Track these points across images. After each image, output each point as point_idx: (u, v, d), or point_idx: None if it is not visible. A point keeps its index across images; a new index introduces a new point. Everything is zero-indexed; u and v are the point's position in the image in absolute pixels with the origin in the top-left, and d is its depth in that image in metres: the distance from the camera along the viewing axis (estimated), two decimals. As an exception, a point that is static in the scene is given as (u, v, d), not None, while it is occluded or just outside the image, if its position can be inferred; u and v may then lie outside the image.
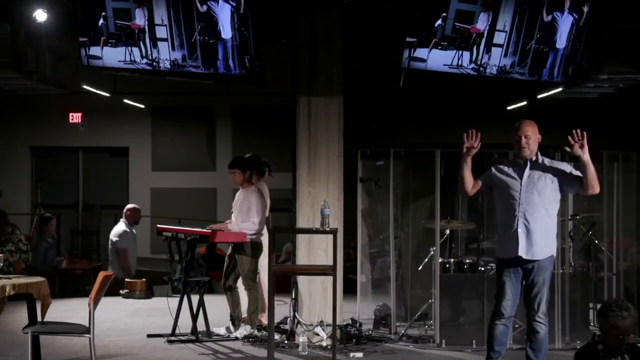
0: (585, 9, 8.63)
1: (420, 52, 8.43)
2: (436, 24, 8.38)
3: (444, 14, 8.34)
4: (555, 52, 8.78)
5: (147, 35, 8.62)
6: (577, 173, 6.89)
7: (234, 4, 8.48)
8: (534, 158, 6.95)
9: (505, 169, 7.05)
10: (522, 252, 6.83)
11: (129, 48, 8.65)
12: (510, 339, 8.61)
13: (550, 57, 8.80)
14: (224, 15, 8.54)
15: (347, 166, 9.19)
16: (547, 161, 6.98)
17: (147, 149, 17.94)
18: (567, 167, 6.98)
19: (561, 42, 8.73)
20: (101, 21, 8.59)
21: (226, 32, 8.55)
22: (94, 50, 8.71)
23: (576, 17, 8.68)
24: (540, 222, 6.84)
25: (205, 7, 8.50)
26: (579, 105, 15.38)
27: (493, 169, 7.10)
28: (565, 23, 8.68)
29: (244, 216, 9.22)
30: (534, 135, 6.94)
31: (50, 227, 13.18)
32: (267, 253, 9.47)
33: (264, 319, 9.42)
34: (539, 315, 6.80)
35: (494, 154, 9.19)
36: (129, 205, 13.20)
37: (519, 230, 6.84)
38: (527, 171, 6.90)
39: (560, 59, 8.81)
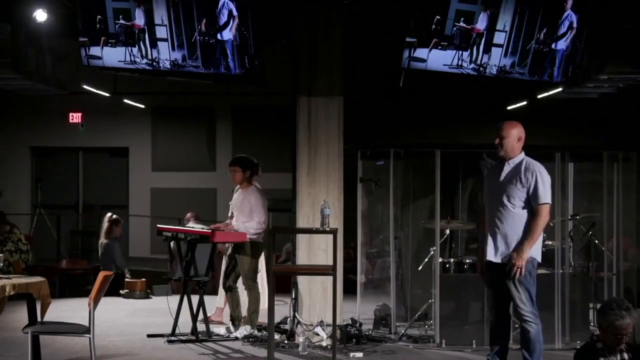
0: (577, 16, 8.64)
1: (420, 52, 8.42)
2: (454, 30, 8.38)
3: (469, 20, 8.37)
4: (553, 52, 8.77)
5: (147, 35, 8.61)
6: (536, 195, 6.80)
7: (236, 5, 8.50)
8: (512, 160, 6.91)
9: (491, 170, 7.13)
10: (490, 256, 6.88)
11: (129, 48, 8.64)
12: (510, 339, 8.63)
13: (551, 57, 8.79)
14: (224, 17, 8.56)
15: (347, 166, 9.19)
16: (524, 165, 6.87)
17: (147, 149, 17.93)
18: (533, 183, 6.79)
19: (561, 42, 8.73)
20: (120, 22, 8.57)
21: (226, 33, 8.56)
22: (94, 50, 8.70)
23: (576, 18, 8.67)
24: (508, 226, 6.81)
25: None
26: (579, 105, 15.39)
27: (485, 172, 7.14)
28: (564, 24, 8.67)
29: (247, 216, 9.23)
30: (511, 136, 6.89)
31: (119, 229, 13.39)
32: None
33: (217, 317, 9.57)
34: (524, 315, 6.77)
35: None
36: (190, 213, 13.16)
37: (489, 233, 6.90)
38: (502, 174, 6.91)
39: (560, 59, 8.81)
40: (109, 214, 13.41)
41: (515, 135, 6.89)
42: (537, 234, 6.75)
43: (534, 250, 6.83)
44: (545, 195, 6.77)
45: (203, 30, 8.57)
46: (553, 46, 8.73)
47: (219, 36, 8.57)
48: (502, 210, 6.84)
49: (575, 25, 8.69)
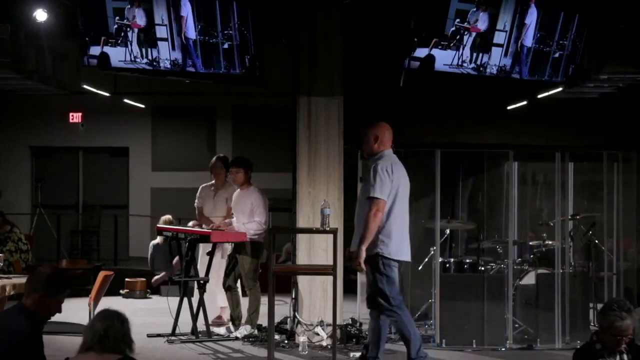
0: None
1: (420, 52, 8.42)
2: (459, 34, 8.38)
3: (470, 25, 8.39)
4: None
5: (146, 35, 8.60)
6: (367, 188, 6.96)
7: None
8: (371, 159, 7.13)
9: None
10: (352, 247, 7.12)
11: (129, 48, 8.64)
12: (510, 339, 8.65)
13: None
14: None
15: (347, 166, 9.19)
16: (374, 161, 7.06)
17: (147, 149, 17.93)
18: (370, 177, 6.99)
19: (528, 39, 8.67)
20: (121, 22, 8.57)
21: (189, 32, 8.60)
22: (94, 50, 8.70)
23: (537, 13, 8.63)
24: (359, 221, 7.05)
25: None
26: (579, 105, 15.38)
27: None
28: (531, 17, 8.62)
29: (247, 217, 9.23)
30: (366, 136, 7.18)
31: None
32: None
33: (225, 316, 9.57)
34: (382, 311, 7.04)
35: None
36: None
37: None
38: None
39: (525, 55, 8.76)
40: (167, 216, 13.16)
41: (371, 135, 7.18)
42: (367, 229, 6.88)
43: (384, 247, 6.98)
44: (376, 190, 6.91)
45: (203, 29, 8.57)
46: (520, 42, 8.66)
47: (183, 35, 8.55)
48: (358, 205, 7.19)
49: (529, 21, 8.62)
